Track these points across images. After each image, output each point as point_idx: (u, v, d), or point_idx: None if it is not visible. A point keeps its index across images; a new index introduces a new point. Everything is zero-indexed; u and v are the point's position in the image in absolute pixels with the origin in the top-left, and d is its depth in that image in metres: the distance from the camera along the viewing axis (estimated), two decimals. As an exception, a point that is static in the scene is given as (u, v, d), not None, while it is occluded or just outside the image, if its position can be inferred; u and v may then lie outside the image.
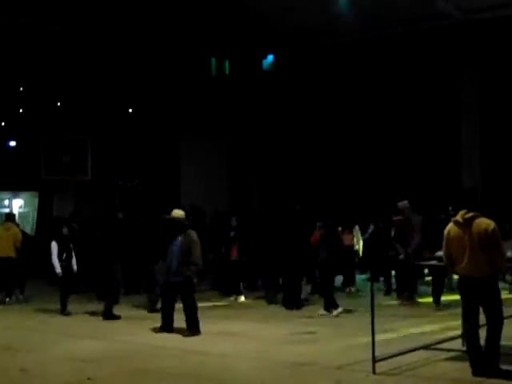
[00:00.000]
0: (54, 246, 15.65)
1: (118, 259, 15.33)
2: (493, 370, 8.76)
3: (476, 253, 8.83)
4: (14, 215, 20.34)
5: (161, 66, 25.82)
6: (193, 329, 12.83)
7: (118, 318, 14.69)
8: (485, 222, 8.92)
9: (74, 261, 15.96)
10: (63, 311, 15.53)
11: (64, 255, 15.71)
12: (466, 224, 8.96)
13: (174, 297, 13.32)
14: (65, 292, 15.69)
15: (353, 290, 18.94)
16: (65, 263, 15.68)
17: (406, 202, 16.10)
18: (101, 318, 14.82)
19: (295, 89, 27.15)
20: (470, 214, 8.97)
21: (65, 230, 16.28)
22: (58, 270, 15.50)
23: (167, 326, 13.08)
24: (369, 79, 25.88)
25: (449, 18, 23.17)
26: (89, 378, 9.44)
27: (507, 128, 24.03)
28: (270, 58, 27.38)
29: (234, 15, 22.73)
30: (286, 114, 27.48)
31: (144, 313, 15.65)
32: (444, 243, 9.26)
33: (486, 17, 22.91)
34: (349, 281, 19.26)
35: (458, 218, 9.08)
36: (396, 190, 22.60)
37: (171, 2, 21.64)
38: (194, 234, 13.23)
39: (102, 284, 16.02)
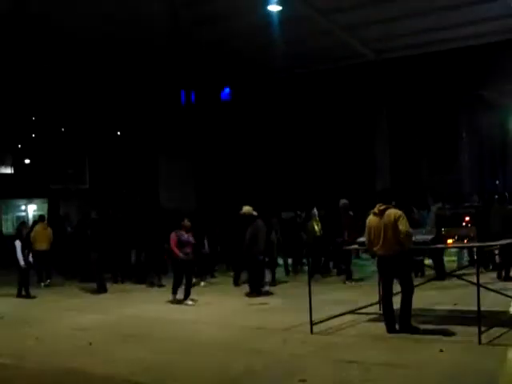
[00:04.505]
0: (18, 244, 14.83)
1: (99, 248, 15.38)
2: (404, 327, 8.77)
3: (388, 236, 8.83)
4: (44, 216, 19.27)
5: (144, 98, 25.96)
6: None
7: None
8: (393, 212, 8.92)
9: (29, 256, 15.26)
10: (18, 295, 14.76)
11: (26, 252, 14.99)
12: (381, 214, 8.97)
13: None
14: (24, 280, 14.88)
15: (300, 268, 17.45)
16: (27, 258, 14.99)
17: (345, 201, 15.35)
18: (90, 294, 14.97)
19: (246, 115, 27.37)
20: (384, 206, 9.01)
21: (24, 232, 15.49)
22: (22, 262, 14.72)
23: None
24: (303, 107, 26.38)
25: (363, 57, 23.33)
26: (90, 343, 9.33)
27: (411, 145, 24.87)
28: (227, 90, 27.53)
29: (198, 51, 22.57)
30: (237, 134, 27.68)
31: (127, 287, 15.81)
32: (366, 230, 9.23)
33: (394, 56, 23.12)
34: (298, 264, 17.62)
35: (375, 209, 9.09)
36: (324, 193, 22.92)
37: (152, 48, 21.66)
38: (260, 223, 13.74)
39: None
